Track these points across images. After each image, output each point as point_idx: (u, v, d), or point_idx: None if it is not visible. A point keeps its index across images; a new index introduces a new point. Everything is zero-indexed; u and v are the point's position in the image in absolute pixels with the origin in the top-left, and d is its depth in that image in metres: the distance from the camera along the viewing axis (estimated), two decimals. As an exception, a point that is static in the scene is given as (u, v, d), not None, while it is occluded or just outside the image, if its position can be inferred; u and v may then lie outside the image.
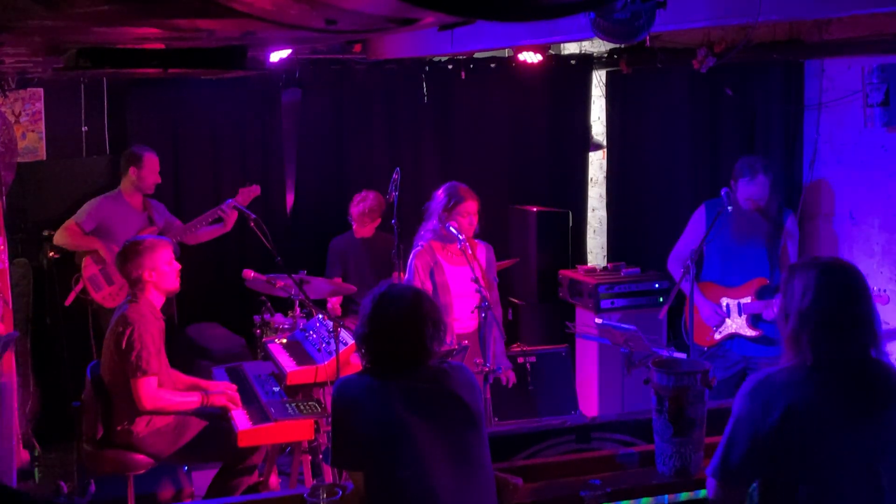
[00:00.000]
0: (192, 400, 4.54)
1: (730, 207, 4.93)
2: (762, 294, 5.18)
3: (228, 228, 6.01)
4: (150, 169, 5.93)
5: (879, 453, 2.61)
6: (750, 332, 5.18)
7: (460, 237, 4.79)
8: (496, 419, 5.45)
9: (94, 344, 5.83)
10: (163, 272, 4.54)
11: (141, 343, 4.37)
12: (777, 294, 5.12)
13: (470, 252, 4.80)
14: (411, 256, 4.96)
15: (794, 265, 2.81)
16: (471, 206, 4.90)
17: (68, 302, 5.78)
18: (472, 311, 4.89)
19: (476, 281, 4.69)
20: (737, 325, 5.21)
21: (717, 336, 5.25)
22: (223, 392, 4.63)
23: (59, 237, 5.81)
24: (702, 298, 5.22)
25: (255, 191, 5.99)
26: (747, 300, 5.18)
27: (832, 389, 2.62)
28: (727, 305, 5.24)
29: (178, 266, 4.66)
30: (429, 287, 4.90)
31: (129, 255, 4.51)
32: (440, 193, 4.95)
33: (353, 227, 6.36)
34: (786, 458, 2.62)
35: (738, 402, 2.71)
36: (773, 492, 2.69)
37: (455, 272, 4.95)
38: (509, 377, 5.20)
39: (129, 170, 5.91)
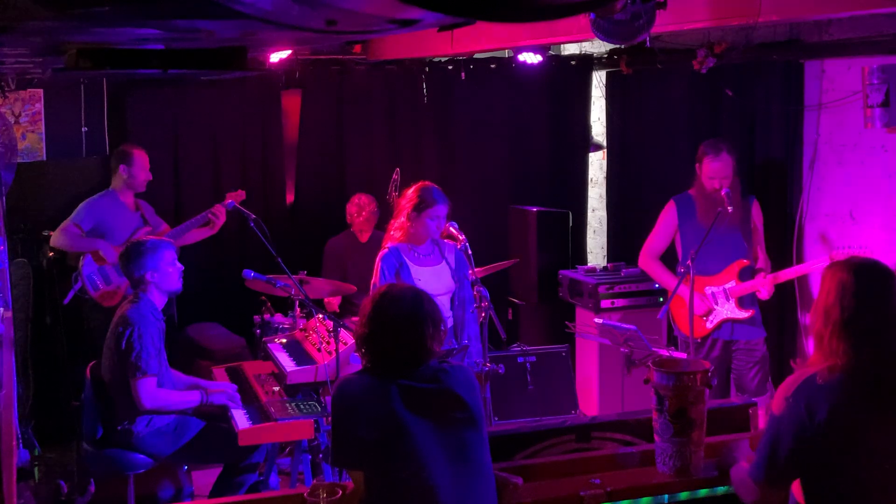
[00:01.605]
0: (192, 399, 4.55)
1: (730, 208, 4.96)
2: (745, 275, 5.22)
3: (215, 231, 5.96)
4: (141, 166, 5.87)
5: None
6: (742, 314, 5.22)
7: (460, 237, 4.74)
8: (496, 419, 5.45)
9: (88, 342, 5.82)
10: (165, 273, 4.55)
11: (141, 344, 4.37)
12: (757, 273, 5.22)
13: (463, 237, 4.73)
14: (378, 257, 4.91)
15: (831, 265, 2.82)
16: (440, 210, 4.80)
17: (67, 300, 5.76)
18: (472, 311, 4.86)
19: (476, 283, 4.68)
20: (727, 310, 5.24)
21: (710, 325, 5.29)
22: (223, 391, 4.63)
23: (57, 239, 5.74)
24: (686, 291, 5.23)
25: (240, 195, 6.00)
26: (731, 284, 5.22)
27: (871, 391, 2.66)
28: (713, 293, 5.27)
29: (181, 267, 4.66)
30: None
31: (132, 256, 4.52)
32: (412, 192, 4.85)
33: (360, 235, 6.40)
34: (831, 459, 2.67)
35: (779, 403, 2.74)
36: (820, 488, 2.73)
37: (422, 273, 4.84)
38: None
39: (119, 168, 5.84)
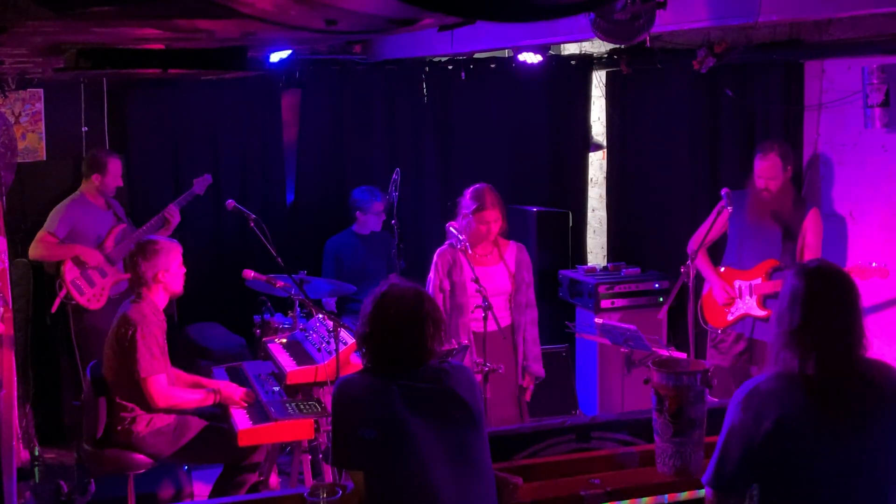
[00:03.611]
0: (205, 398, 4.55)
1: (730, 208, 4.98)
2: (773, 275, 5.29)
3: (170, 231, 5.88)
4: (114, 175, 5.85)
5: (881, 461, 2.59)
6: (759, 312, 5.29)
7: (460, 237, 4.80)
8: (496, 419, 5.45)
9: (77, 345, 5.80)
10: (175, 274, 4.58)
11: (144, 343, 4.38)
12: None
13: (470, 252, 4.82)
14: (435, 254, 4.99)
15: (787, 271, 2.79)
16: (489, 215, 4.88)
17: (54, 309, 5.70)
18: (472, 311, 4.87)
19: (476, 281, 4.69)
20: (747, 305, 5.33)
21: (730, 317, 5.39)
22: (232, 394, 4.64)
23: (35, 250, 5.68)
24: (717, 279, 5.40)
25: (207, 179, 6.08)
26: (758, 281, 5.31)
27: (823, 399, 2.59)
28: (739, 287, 5.37)
29: (184, 269, 4.68)
30: (447, 286, 4.93)
31: (148, 255, 4.52)
32: (468, 196, 4.95)
33: (359, 227, 6.41)
34: (781, 468, 2.61)
35: (730, 410, 2.70)
36: (771, 499, 2.68)
37: (478, 272, 4.87)
38: (528, 387, 5.07)
39: (92, 176, 5.80)
